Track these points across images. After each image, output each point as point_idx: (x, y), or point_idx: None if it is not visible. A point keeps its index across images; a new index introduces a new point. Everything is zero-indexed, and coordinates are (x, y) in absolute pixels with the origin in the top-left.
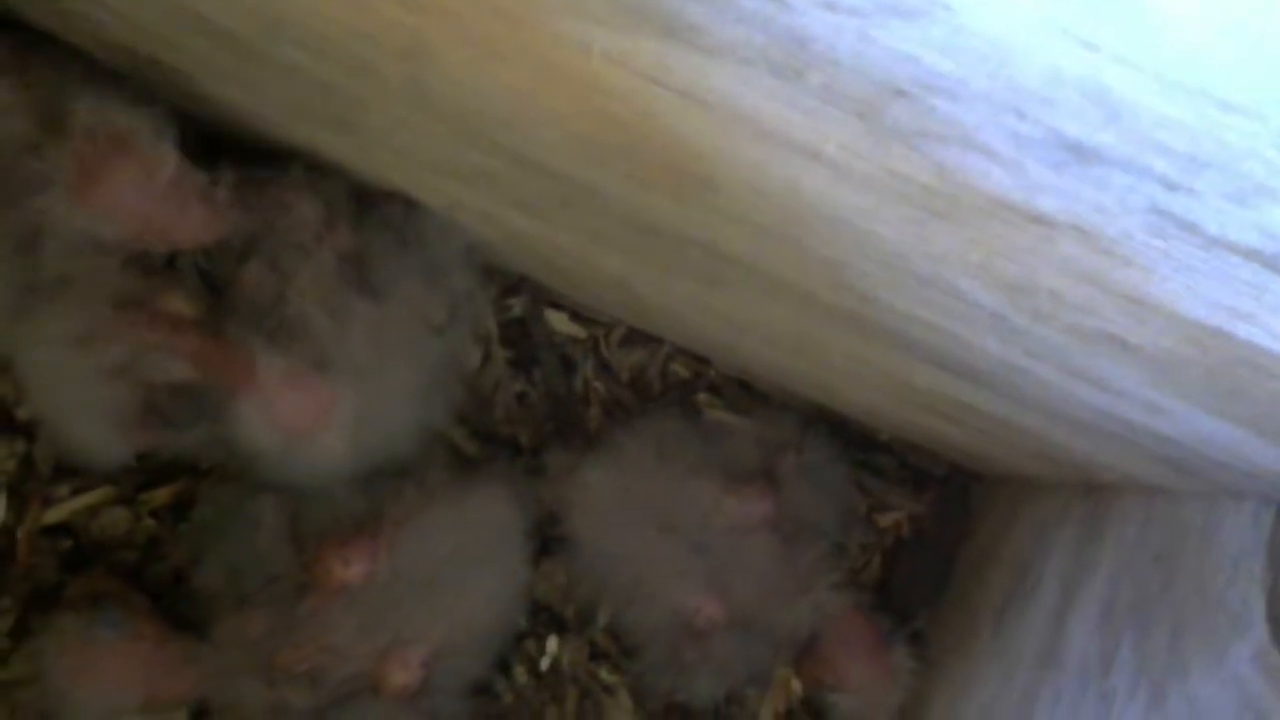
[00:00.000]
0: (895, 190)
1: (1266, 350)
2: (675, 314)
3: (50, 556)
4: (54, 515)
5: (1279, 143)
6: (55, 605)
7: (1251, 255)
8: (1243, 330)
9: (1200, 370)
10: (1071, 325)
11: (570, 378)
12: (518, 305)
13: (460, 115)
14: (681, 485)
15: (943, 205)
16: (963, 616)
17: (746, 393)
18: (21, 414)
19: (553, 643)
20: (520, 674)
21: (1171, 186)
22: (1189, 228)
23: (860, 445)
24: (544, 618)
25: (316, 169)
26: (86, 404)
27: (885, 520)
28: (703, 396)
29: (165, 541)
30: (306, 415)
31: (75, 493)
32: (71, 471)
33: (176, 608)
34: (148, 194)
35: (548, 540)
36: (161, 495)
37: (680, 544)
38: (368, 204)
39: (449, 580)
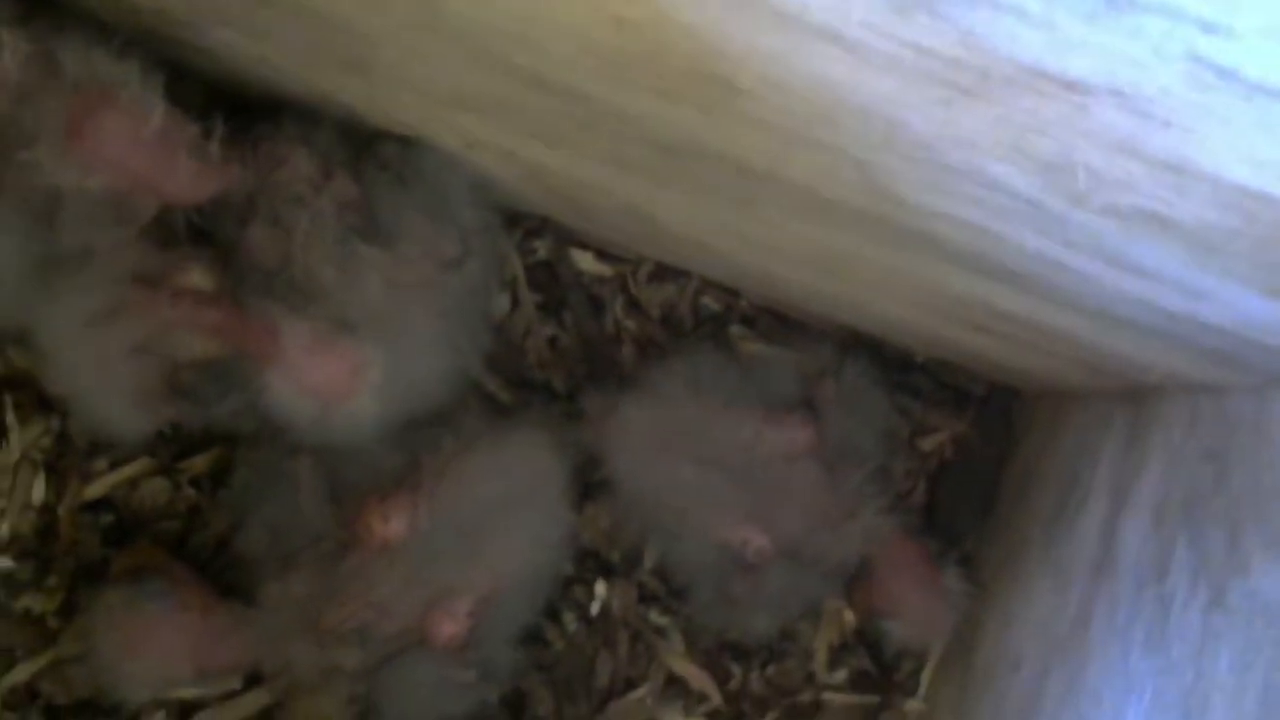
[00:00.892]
0: (921, 69)
1: None
2: (702, 244)
3: (93, 532)
4: (94, 490)
5: None
6: (101, 581)
7: None
8: None
9: (1246, 243)
10: (1109, 205)
11: (600, 318)
12: (542, 248)
13: (473, 34)
14: (720, 419)
15: (971, 81)
16: (1011, 535)
17: (779, 322)
18: (53, 390)
19: (601, 587)
20: (570, 620)
21: (1209, 28)
22: (1228, 75)
23: (898, 368)
24: (591, 563)
25: (308, 119)
26: (110, 382)
27: (928, 444)
28: (735, 329)
29: (206, 510)
30: (337, 380)
31: (113, 466)
32: (108, 445)
33: (222, 576)
34: (135, 145)
35: (589, 485)
36: (199, 463)
37: (723, 478)
38: (364, 149)
39: (491, 529)
